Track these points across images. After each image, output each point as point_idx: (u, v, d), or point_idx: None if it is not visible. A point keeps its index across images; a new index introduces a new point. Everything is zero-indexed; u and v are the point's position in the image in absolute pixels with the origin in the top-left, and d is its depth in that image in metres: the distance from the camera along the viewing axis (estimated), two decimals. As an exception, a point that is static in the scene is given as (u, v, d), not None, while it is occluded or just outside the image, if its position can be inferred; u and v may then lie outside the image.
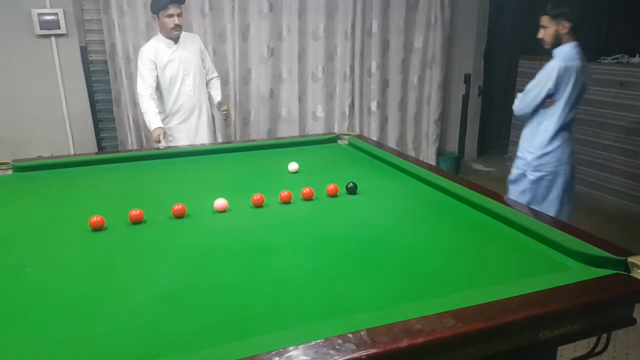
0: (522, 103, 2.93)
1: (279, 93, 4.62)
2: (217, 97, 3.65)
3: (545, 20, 2.82)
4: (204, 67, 3.59)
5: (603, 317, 1.29)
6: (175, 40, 3.36)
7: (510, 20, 6.24)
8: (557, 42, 2.83)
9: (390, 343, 1.06)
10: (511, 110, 3.13)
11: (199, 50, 3.53)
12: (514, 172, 3.06)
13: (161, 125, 3.33)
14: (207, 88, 3.66)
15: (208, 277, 1.47)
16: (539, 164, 2.90)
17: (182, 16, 3.30)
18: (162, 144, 3.22)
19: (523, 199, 2.93)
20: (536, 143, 2.90)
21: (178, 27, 3.29)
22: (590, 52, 6.13)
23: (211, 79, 3.70)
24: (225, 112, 3.58)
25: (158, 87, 3.41)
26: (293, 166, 2.52)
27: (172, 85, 3.42)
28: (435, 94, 5.10)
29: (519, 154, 3.03)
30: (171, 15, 3.23)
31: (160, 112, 3.42)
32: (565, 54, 2.81)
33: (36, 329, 1.21)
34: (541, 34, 2.87)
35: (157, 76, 3.37)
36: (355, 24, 4.63)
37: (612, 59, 4.52)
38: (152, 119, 3.32)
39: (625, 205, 4.31)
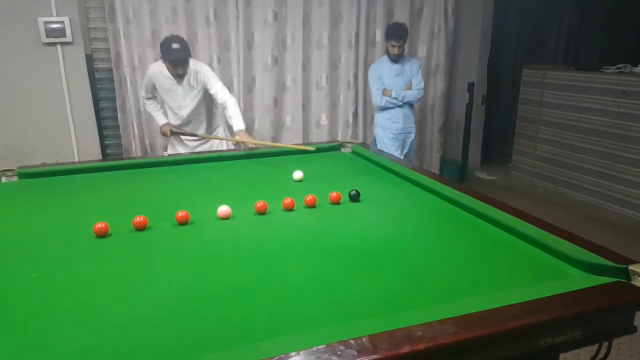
0: (420, 94, 4.32)
1: (283, 101, 4.65)
2: (236, 125, 3.26)
3: (401, 42, 4.15)
4: (210, 93, 3.43)
5: (604, 325, 1.29)
6: (178, 81, 3.40)
7: (513, 29, 6.27)
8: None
9: (392, 349, 1.07)
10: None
11: (202, 88, 3.44)
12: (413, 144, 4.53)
13: (167, 121, 3.56)
14: (226, 114, 3.41)
15: (211, 283, 1.48)
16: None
17: (187, 66, 3.30)
18: (167, 152, 3.27)
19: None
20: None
21: (180, 76, 3.33)
22: (594, 61, 6.15)
23: (224, 103, 3.35)
24: (251, 148, 3.15)
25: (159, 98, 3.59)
26: (298, 174, 2.53)
27: (170, 108, 3.55)
28: (439, 103, 5.12)
29: (412, 130, 4.44)
30: (175, 67, 3.28)
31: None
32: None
33: (40, 335, 1.22)
34: (398, 50, 4.14)
35: (154, 90, 3.55)
36: (359, 34, 4.66)
37: (615, 69, 4.52)
38: (158, 118, 3.59)
39: (629, 213, 4.30)
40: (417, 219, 2.03)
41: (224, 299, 1.38)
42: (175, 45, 3.15)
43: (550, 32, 6.53)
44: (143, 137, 4.28)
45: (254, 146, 3.09)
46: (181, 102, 3.45)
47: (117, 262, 1.64)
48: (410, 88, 4.27)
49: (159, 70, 3.39)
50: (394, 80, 4.25)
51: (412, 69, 4.28)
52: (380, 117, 4.40)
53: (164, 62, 3.29)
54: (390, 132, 4.35)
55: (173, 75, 3.33)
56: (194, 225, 1.93)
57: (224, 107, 3.39)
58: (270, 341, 1.13)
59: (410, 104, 4.35)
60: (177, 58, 3.19)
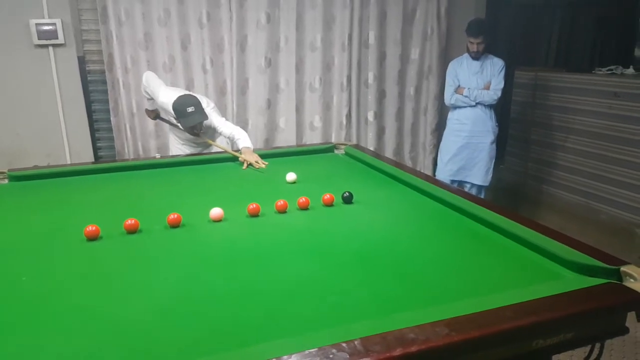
0: (496, 95, 4.01)
1: (277, 103, 4.64)
2: (243, 143, 3.08)
3: (480, 38, 3.93)
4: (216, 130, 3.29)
5: (596, 326, 1.30)
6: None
7: (506, 32, 6.30)
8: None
9: (384, 352, 1.07)
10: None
11: (210, 131, 3.32)
12: (493, 146, 4.15)
13: (150, 108, 3.56)
14: (233, 139, 3.22)
15: (203, 286, 1.47)
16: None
17: (202, 124, 3.17)
18: (158, 154, 3.23)
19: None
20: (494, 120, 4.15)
21: (195, 134, 3.21)
22: (585, 63, 6.17)
23: (230, 135, 3.18)
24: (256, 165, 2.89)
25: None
26: (291, 176, 2.53)
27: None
28: (432, 105, 5.13)
29: (484, 135, 4.09)
30: (193, 130, 3.16)
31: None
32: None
33: (30, 338, 1.21)
34: (477, 47, 3.96)
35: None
36: (352, 36, 4.66)
37: (607, 70, 4.55)
38: (148, 104, 3.55)
39: (619, 214, 4.32)
40: (410, 221, 2.03)
41: (216, 302, 1.38)
42: (190, 109, 3.02)
43: (542, 34, 6.57)
44: (136, 140, 4.26)
45: (257, 166, 2.86)
46: (188, 137, 3.39)
47: (108, 265, 1.63)
48: (488, 88, 4.02)
49: (169, 110, 3.20)
50: (470, 78, 4.06)
51: (493, 69, 4.03)
52: (449, 116, 4.22)
53: (179, 122, 3.16)
54: (454, 134, 4.15)
55: (189, 133, 3.22)
56: (186, 228, 1.92)
57: (230, 139, 3.24)
58: (263, 344, 1.12)
59: (488, 106, 4.05)
60: (194, 125, 3.08)
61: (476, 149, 4.11)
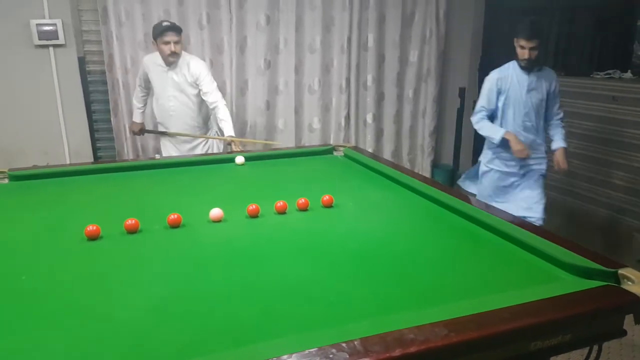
0: (562, 125, 3.37)
1: (276, 105, 4.65)
2: (225, 130, 3.30)
3: (534, 42, 3.07)
4: (201, 92, 3.44)
5: (594, 329, 1.31)
6: (170, 65, 3.41)
7: (504, 34, 6.31)
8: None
9: (384, 352, 1.07)
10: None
11: (193, 81, 3.42)
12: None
13: (137, 120, 3.78)
14: (217, 116, 3.41)
15: (202, 286, 1.48)
16: None
17: (179, 43, 3.35)
18: (158, 155, 3.28)
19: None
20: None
21: (174, 55, 3.34)
22: (584, 66, 6.19)
23: (214, 107, 3.39)
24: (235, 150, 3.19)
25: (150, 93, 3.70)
26: (239, 159, 2.82)
27: (158, 99, 3.58)
28: (430, 107, 5.14)
29: (537, 163, 3.35)
30: (167, 43, 3.30)
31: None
32: None
33: (30, 337, 1.21)
34: (530, 54, 3.08)
35: (148, 82, 3.62)
36: (351, 38, 4.68)
37: (605, 74, 4.57)
38: (135, 114, 3.80)
39: (617, 218, 4.34)
40: (409, 222, 2.04)
41: (215, 301, 1.38)
42: (165, 23, 3.32)
43: (540, 37, 6.58)
44: (135, 140, 4.27)
45: (238, 148, 3.21)
46: (170, 92, 3.46)
47: (108, 265, 1.63)
48: (543, 108, 3.21)
49: (152, 60, 3.49)
50: (523, 98, 3.16)
51: (550, 85, 3.19)
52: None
53: (157, 46, 3.35)
54: (500, 161, 3.34)
55: (166, 55, 3.33)
56: (186, 228, 1.92)
57: (214, 109, 3.40)
58: (262, 344, 1.13)
59: (542, 130, 3.32)
60: (167, 25, 3.29)
61: (523, 181, 3.42)
